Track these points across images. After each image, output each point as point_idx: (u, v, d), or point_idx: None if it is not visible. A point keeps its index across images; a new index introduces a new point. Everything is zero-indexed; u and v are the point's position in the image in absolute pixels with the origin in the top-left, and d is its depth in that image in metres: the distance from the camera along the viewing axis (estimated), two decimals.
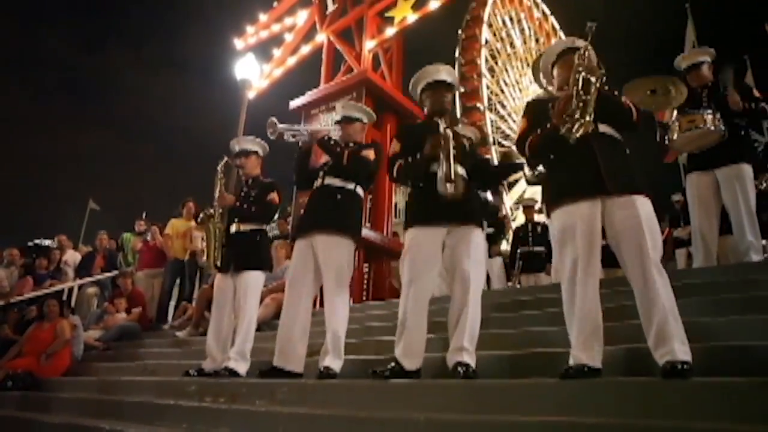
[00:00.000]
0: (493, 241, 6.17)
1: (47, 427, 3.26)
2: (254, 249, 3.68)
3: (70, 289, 6.76)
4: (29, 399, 4.16)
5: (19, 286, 6.25)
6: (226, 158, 3.91)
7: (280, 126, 3.36)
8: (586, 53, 2.25)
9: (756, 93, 3.82)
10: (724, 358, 1.95)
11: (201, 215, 3.82)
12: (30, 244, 6.97)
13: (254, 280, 3.63)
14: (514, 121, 27.48)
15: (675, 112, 3.75)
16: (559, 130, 2.17)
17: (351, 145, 3.28)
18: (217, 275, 3.74)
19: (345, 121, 3.38)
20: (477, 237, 2.66)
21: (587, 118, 2.12)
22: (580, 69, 2.19)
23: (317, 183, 3.27)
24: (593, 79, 2.15)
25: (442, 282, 5.06)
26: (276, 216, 5.70)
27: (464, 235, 2.62)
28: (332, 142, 3.24)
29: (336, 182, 3.20)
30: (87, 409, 3.48)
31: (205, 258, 3.82)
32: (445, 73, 2.95)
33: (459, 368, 2.34)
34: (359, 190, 3.25)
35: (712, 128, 3.59)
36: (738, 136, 3.74)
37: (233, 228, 3.70)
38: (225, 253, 3.66)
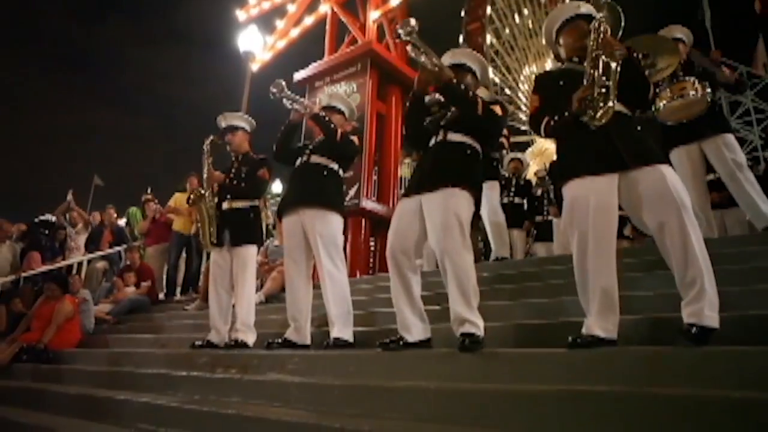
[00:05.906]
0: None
1: (62, 397, 3.31)
2: (248, 225, 3.78)
3: (80, 264, 6.84)
4: (43, 371, 4.23)
5: (27, 261, 6.30)
6: (212, 137, 3.92)
7: (287, 92, 3.39)
8: (601, 28, 2.14)
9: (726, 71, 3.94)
10: (740, 327, 1.93)
11: (191, 196, 3.84)
12: (36, 219, 6.98)
13: (249, 254, 3.74)
14: (519, 90, 27.14)
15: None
16: (578, 116, 2.10)
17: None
18: (213, 251, 3.82)
19: (328, 110, 3.45)
20: None
21: (610, 104, 2.04)
22: (599, 51, 2.09)
23: (301, 160, 3.36)
24: (613, 64, 2.06)
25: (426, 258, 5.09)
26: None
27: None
28: (327, 119, 3.30)
29: (321, 161, 3.30)
30: (100, 380, 3.53)
31: (201, 238, 3.85)
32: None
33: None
34: (341, 172, 3.39)
35: (700, 96, 3.56)
36: (714, 109, 3.77)
37: (226, 205, 3.76)
38: (219, 228, 3.74)
